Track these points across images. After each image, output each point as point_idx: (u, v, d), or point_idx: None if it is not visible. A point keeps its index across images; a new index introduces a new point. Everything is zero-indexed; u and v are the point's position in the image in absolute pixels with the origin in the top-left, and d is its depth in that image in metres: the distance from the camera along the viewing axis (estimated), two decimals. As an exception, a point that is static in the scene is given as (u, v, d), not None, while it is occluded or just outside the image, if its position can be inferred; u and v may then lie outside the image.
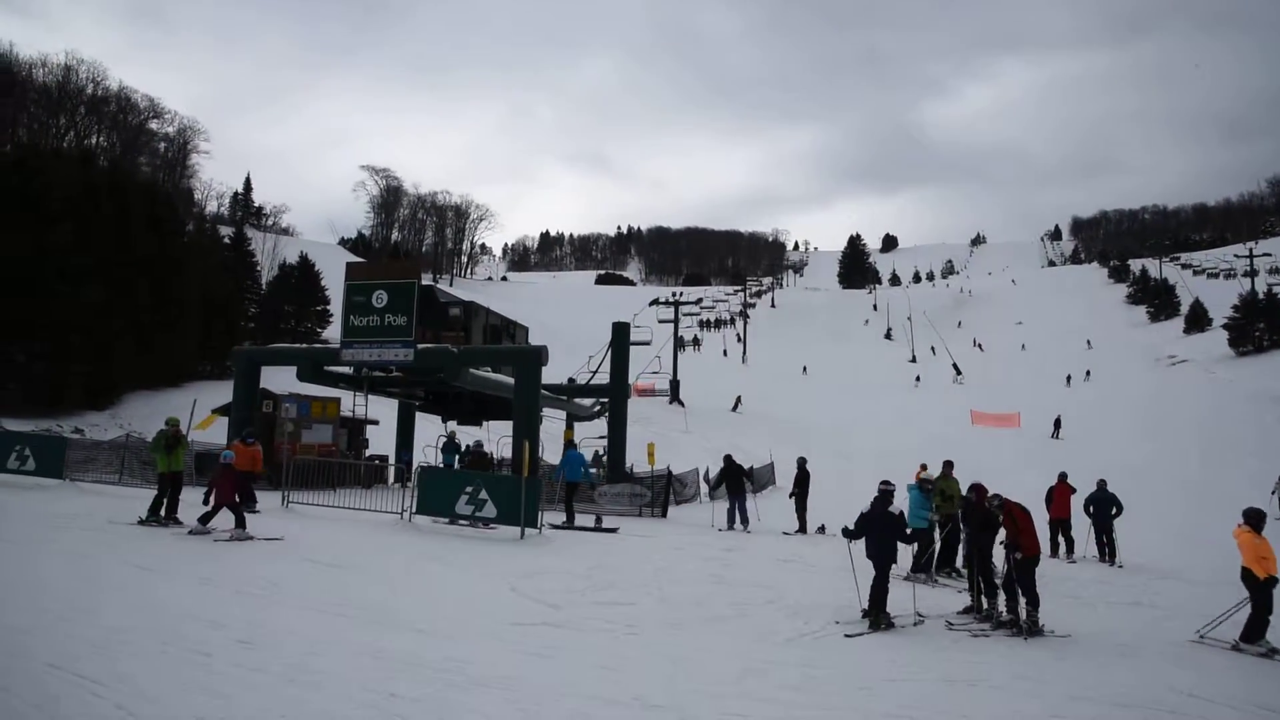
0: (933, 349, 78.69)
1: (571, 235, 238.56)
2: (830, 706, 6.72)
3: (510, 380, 21.13)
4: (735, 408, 46.72)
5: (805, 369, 58.32)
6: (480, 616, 9.09)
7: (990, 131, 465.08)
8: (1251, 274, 79.09)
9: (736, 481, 19.07)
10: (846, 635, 9.44)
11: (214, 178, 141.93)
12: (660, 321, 59.23)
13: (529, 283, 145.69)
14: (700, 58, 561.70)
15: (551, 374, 28.07)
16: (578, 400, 28.13)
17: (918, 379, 62.27)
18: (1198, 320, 79.39)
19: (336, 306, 24.49)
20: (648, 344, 32.20)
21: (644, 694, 6.64)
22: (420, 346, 19.56)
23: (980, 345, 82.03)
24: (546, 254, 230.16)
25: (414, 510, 14.91)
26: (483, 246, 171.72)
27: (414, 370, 20.80)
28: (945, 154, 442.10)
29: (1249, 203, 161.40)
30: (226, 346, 37.54)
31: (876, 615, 9.83)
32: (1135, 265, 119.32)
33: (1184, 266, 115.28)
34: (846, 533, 10.48)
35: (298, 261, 53.08)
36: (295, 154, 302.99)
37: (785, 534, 18.17)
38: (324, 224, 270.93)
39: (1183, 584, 15.05)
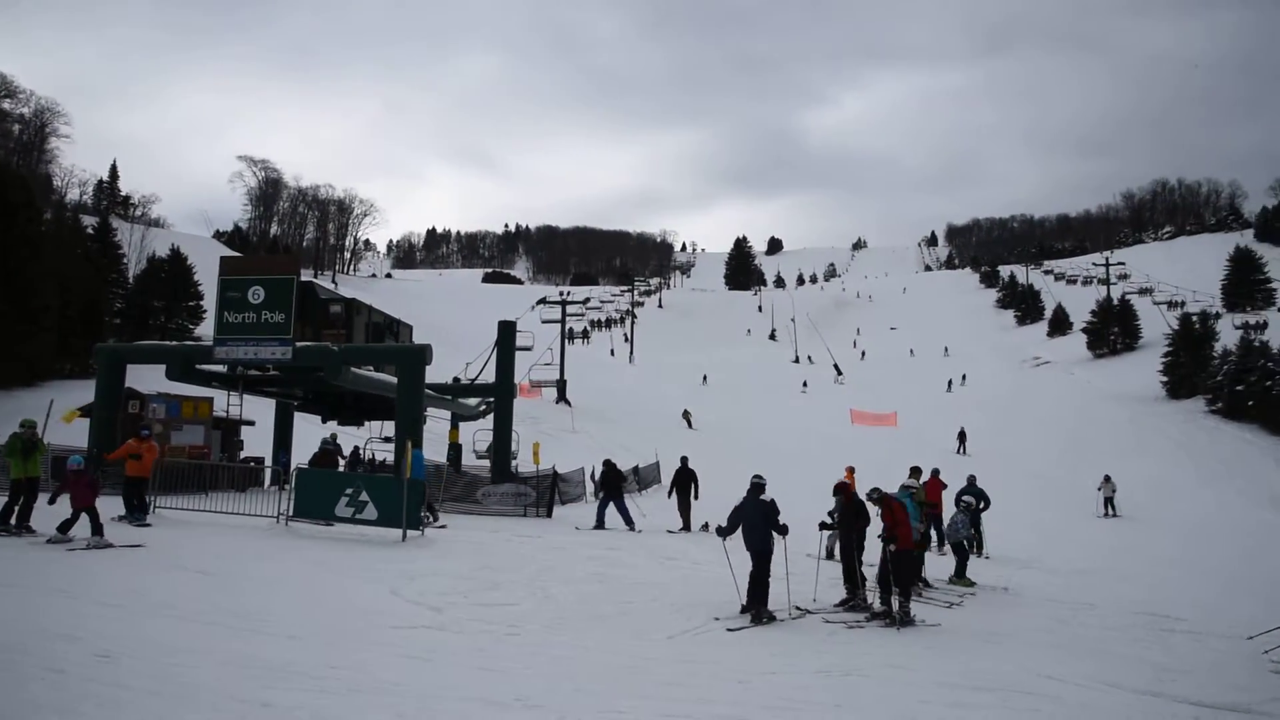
0: (809, 358, 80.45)
1: (458, 233, 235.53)
2: (708, 700, 6.83)
3: (393, 379, 20.70)
4: (689, 424, 44.42)
5: (705, 378, 58.14)
6: (359, 621, 8.89)
7: (865, 139, 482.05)
8: (1108, 282, 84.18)
9: (614, 484, 19.32)
10: (729, 630, 9.62)
11: (76, 164, 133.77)
12: (544, 322, 58.54)
13: (414, 280, 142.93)
14: (581, 58, 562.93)
15: (436, 373, 27.63)
16: (462, 400, 27.74)
17: (805, 385, 63.37)
18: (1060, 324, 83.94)
19: (211, 302, 23.45)
20: (529, 349, 31.90)
21: (525, 694, 6.62)
22: (299, 344, 18.96)
23: (862, 352, 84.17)
24: (433, 251, 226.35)
25: (290, 513, 14.45)
26: (366, 243, 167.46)
27: (292, 369, 20.15)
28: (823, 160, 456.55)
29: (1106, 215, 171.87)
30: (89, 343, 35.49)
31: (758, 610, 10.03)
32: (1005, 271, 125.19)
33: (1047, 273, 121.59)
34: (720, 531, 10.65)
35: (169, 255, 50.62)
36: (165, 142, 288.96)
37: (670, 532, 18.37)
38: (198, 216, 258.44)
39: (1042, 573, 15.92)
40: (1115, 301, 71.95)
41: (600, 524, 18.54)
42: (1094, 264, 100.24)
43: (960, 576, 13.77)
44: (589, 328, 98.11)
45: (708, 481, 19.74)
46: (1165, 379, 51.57)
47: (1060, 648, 9.75)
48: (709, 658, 8.34)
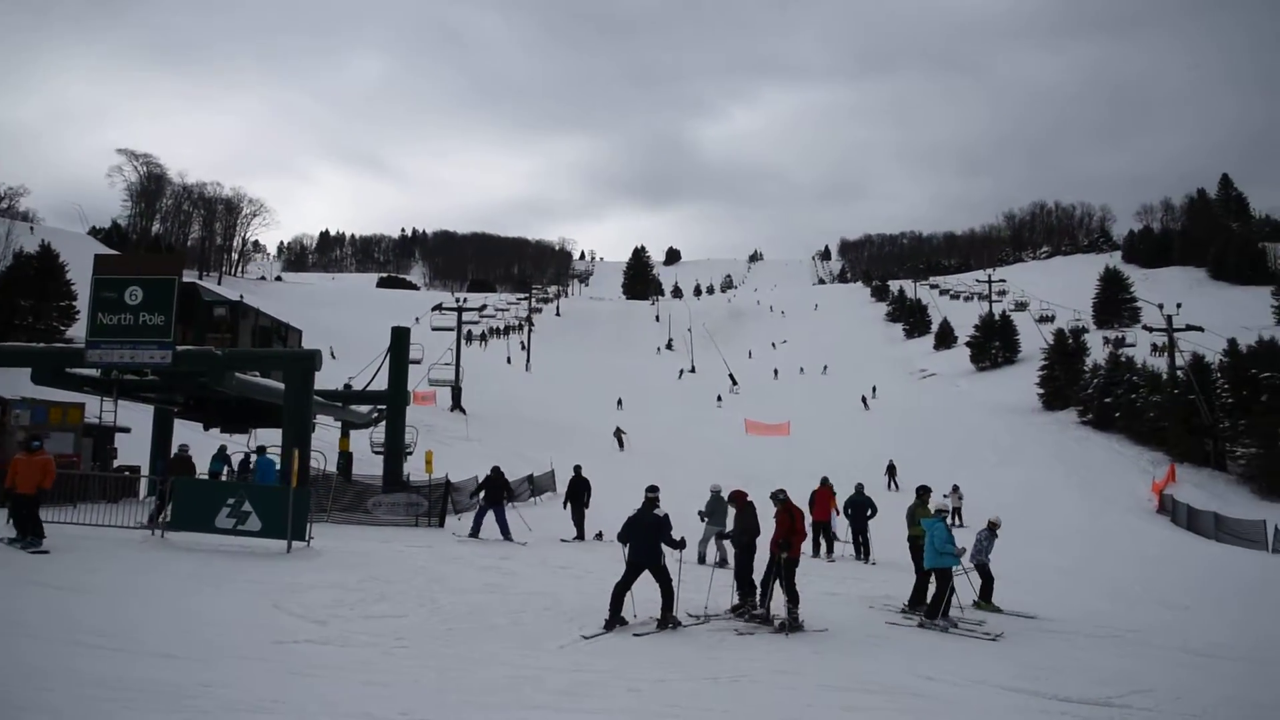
0: (692, 368, 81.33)
1: (353, 236, 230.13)
2: (599, 710, 6.82)
3: (281, 386, 20.04)
4: (621, 447, 42.09)
5: (620, 402, 56.87)
6: (238, 637, 8.54)
7: (755, 152, 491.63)
8: (990, 298, 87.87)
9: (495, 492, 18.44)
10: (634, 635, 9.64)
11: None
12: (434, 329, 56.99)
13: (306, 284, 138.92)
14: (470, 61, 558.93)
15: (328, 379, 26.89)
16: (353, 407, 27.07)
17: (719, 399, 63.45)
18: (945, 338, 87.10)
19: (85, 303, 22.24)
20: (418, 362, 31.29)
21: (410, 708, 6.48)
22: (179, 348, 18.17)
23: (775, 370, 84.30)
24: (326, 254, 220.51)
25: (167, 525, 13.81)
26: (256, 244, 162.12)
27: (172, 374, 19.30)
28: (715, 172, 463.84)
29: (989, 233, 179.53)
30: (-54, 344, 33.27)
31: (614, 620, 10.05)
32: (895, 286, 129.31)
33: (934, 288, 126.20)
34: (621, 538, 10.66)
35: (38, 251, 47.88)
36: (33, 131, 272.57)
37: (563, 541, 18.29)
38: (71, 211, 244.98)
39: (925, 578, 16.38)
40: (997, 317, 75.19)
41: (476, 532, 17.97)
42: (977, 280, 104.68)
43: (986, 600, 13.19)
44: (486, 334, 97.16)
45: (604, 491, 19.77)
46: (1041, 391, 54.09)
47: (941, 649, 10.08)
48: (601, 666, 8.32)
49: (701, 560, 15.39)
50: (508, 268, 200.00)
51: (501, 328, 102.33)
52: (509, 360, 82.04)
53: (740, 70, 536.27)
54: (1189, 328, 45.50)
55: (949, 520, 26.05)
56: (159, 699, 6.22)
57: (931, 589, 11.72)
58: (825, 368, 78.33)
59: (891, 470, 36.73)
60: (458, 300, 61.49)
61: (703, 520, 15.77)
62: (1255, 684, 9.65)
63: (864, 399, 59.50)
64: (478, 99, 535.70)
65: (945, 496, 27.66)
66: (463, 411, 45.71)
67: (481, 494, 18.90)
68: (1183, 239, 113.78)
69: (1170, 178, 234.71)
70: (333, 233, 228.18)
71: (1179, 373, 42.85)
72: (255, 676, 7.12)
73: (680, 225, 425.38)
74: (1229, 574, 22.10)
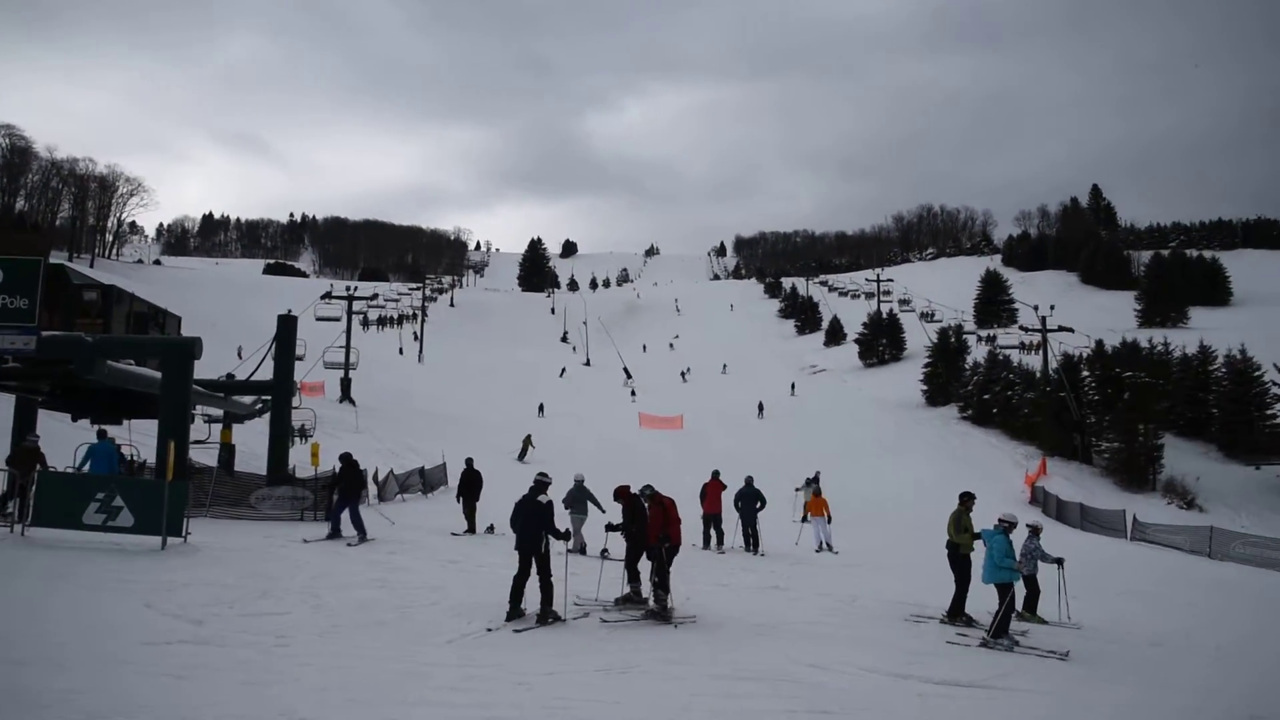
0: (587, 361, 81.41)
1: (239, 220, 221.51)
2: (488, 704, 6.76)
3: (157, 375, 19.12)
4: (523, 456, 38.12)
5: (542, 409, 54.25)
6: (105, 640, 8.10)
7: (648, 147, 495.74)
8: (878, 296, 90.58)
9: (352, 485, 16.68)
10: (515, 631, 9.56)
11: None
12: (319, 319, 53.72)
13: (187, 268, 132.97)
14: (359, 44, 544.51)
15: (210, 368, 25.83)
16: (236, 398, 26.05)
17: (634, 394, 62.61)
18: (835, 335, 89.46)
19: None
20: (300, 359, 30.13)
21: (291, 707, 6.29)
22: (45, 334, 17.15)
23: (684, 372, 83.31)
24: (209, 238, 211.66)
25: (29, 522, 13.04)
26: (132, 225, 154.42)
27: (36, 361, 18.19)
28: (609, 165, 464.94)
29: (878, 234, 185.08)
30: None
31: (514, 611, 10.00)
32: (788, 283, 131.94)
33: (822, 284, 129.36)
34: (513, 523, 10.57)
35: (-115, 228, 44.69)
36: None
37: (454, 535, 18.06)
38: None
39: (813, 568, 16.85)
40: (884, 315, 77.59)
41: (336, 532, 16.20)
42: (867, 279, 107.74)
43: (1031, 611, 12.94)
44: (378, 325, 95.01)
45: (495, 484, 19.58)
46: (925, 388, 56.13)
47: (826, 637, 10.35)
48: (489, 660, 8.24)
49: (583, 551, 15.42)
50: (401, 256, 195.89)
51: (395, 317, 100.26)
52: (401, 351, 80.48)
53: (633, 65, 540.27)
54: (1061, 329, 47.90)
55: (803, 515, 24.29)
56: (9, 710, 5.86)
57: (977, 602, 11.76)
58: (725, 366, 78.56)
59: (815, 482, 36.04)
60: (349, 289, 59.66)
61: (566, 510, 15.77)
62: (1106, 662, 10.20)
63: (760, 406, 54.82)
64: (364, 82, 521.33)
65: (797, 489, 27.12)
66: (352, 403, 44.59)
67: (335, 488, 17.03)
68: (1057, 244, 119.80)
69: (1045, 186, 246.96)
70: (216, 216, 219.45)
71: (1051, 372, 45.04)
72: (122, 681, 6.78)
73: (576, 218, 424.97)
74: (1092, 561, 23.36)
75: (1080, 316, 61.04)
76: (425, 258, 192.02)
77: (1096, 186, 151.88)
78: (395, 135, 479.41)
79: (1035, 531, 13.16)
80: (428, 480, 28.74)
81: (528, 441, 39.21)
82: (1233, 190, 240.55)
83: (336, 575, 12.20)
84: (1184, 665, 10.47)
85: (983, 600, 11.52)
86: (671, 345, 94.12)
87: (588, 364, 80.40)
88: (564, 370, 75.73)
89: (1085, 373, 45.16)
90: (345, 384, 46.50)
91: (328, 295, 60.80)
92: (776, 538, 20.50)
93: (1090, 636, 11.74)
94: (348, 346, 48.79)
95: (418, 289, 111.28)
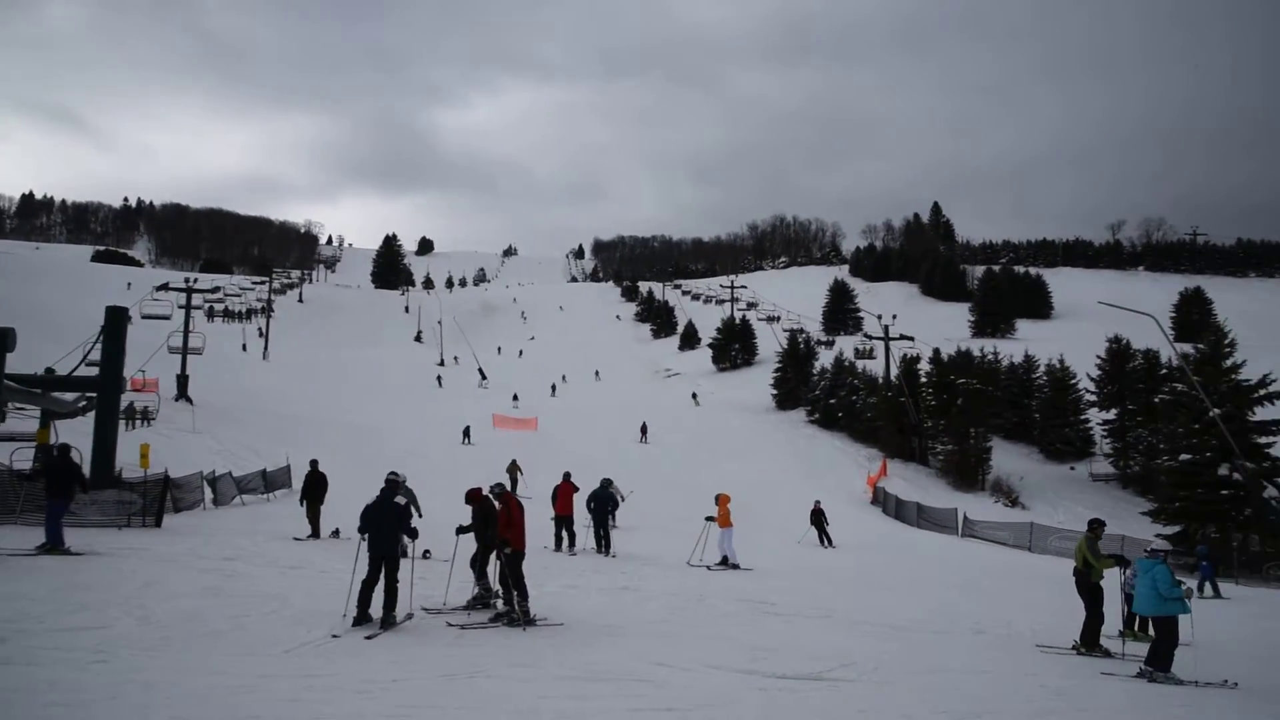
0: (455, 358, 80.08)
1: (64, 202, 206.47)
2: (324, 716, 6.51)
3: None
4: (514, 487, 30.80)
5: (467, 433, 49.94)
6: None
7: (498, 145, 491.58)
8: (732, 302, 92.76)
9: (59, 483, 14.05)
10: (366, 638, 9.27)
11: None
12: (145, 317, 48.32)
13: (3, 252, 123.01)
14: (196, 21, 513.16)
15: (30, 362, 23.98)
16: (56, 395, 24.24)
17: (515, 398, 60.50)
18: (690, 339, 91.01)
19: None
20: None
21: (107, 727, 5.88)
22: None
23: (592, 373, 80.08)
24: (29, 221, 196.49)
25: None
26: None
27: None
28: (457, 161, 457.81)
29: (734, 242, 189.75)
30: None
31: (362, 617, 9.75)
32: (645, 287, 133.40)
33: (676, 287, 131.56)
34: (361, 530, 10.27)
35: None
36: None
37: (297, 539, 17.37)
38: None
39: (660, 569, 17.07)
40: (737, 321, 79.52)
41: (56, 542, 13.49)
42: (721, 285, 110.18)
43: (1131, 629, 12.90)
44: (223, 318, 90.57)
45: (342, 486, 18.96)
46: (775, 392, 57.84)
47: (673, 636, 10.50)
48: (330, 670, 7.95)
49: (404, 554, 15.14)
50: (247, 248, 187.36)
51: (239, 312, 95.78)
52: (245, 348, 76.91)
53: (483, 60, 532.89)
54: (902, 337, 50.35)
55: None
56: None
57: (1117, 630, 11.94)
58: (598, 373, 76.45)
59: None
60: (188, 280, 56.52)
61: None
62: (941, 652, 10.78)
63: (643, 428, 48.83)
64: (201, 62, 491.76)
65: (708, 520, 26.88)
66: (189, 401, 42.25)
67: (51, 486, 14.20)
68: (900, 257, 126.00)
69: (890, 200, 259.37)
70: (38, 196, 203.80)
71: (893, 379, 47.23)
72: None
73: (431, 215, 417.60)
74: (927, 556, 24.66)
75: (920, 326, 64.38)
76: (273, 250, 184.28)
77: (937, 204, 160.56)
78: (234, 120, 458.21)
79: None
80: (270, 483, 27.55)
81: (515, 469, 32.39)
82: (1056, 211, 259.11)
83: (165, 584, 11.51)
84: (1006, 652, 11.16)
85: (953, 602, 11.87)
86: (520, 353, 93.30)
87: (441, 364, 78.89)
88: (483, 376, 70.42)
89: (924, 379, 47.59)
90: (182, 381, 44.00)
91: (164, 286, 57.49)
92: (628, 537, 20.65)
93: (916, 627, 12.36)
94: (185, 342, 46.19)
95: (264, 283, 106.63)
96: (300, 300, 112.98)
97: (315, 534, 17.84)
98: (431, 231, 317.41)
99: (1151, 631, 11.00)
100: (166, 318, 48.85)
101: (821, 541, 25.46)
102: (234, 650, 8.54)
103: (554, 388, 65.41)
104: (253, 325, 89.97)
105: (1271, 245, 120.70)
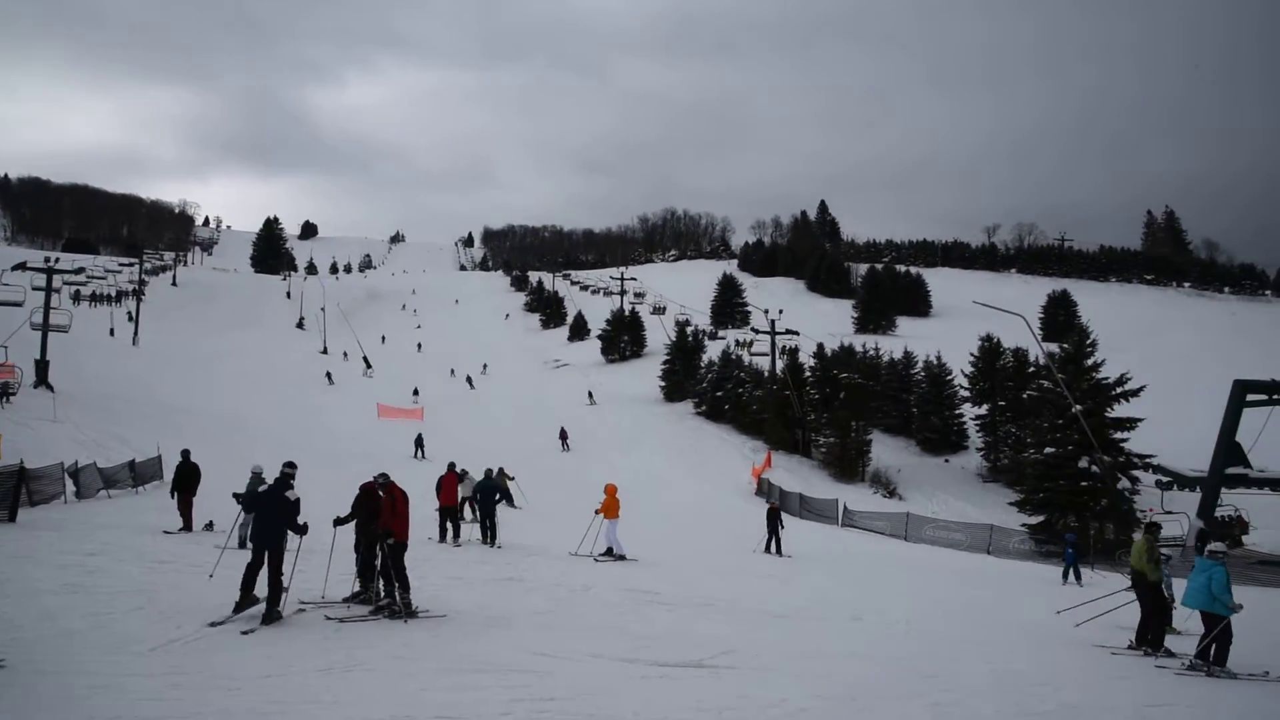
0: (324, 349, 77.65)
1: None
2: (190, 715, 6.28)
3: None
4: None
5: (420, 444, 47.07)
6: None
7: (378, 127, 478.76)
8: (622, 294, 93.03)
9: None
10: (243, 633, 8.96)
11: None
12: None
13: None
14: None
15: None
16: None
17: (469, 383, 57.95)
18: (580, 330, 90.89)
19: None
20: None
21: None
22: None
23: (478, 371, 77.20)
24: None
25: None
26: None
27: None
28: (335, 142, 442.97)
29: (624, 234, 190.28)
30: None
31: (245, 601, 9.46)
32: (534, 277, 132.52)
33: (565, 277, 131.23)
34: (247, 507, 9.91)
35: None
36: None
37: (167, 533, 16.63)
38: None
39: (546, 559, 17.04)
40: (627, 313, 79.85)
41: None
42: (611, 277, 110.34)
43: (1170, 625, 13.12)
44: (90, 301, 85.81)
45: (218, 478, 18.20)
46: (663, 384, 58.33)
47: (557, 628, 10.50)
48: (198, 667, 7.66)
49: (242, 545, 14.75)
50: (115, 228, 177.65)
51: (107, 295, 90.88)
52: (113, 333, 73.07)
53: (358, 38, 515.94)
54: (788, 332, 51.50)
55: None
56: None
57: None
58: (485, 366, 75.16)
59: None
60: (48, 260, 53.10)
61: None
62: (817, 637, 11.12)
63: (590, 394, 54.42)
64: (55, 25, 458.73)
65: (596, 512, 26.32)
66: (49, 388, 39.85)
67: None
68: (788, 254, 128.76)
69: (780, 196, 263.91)
70: None
71: (778, 372, 48.27)
72: None
73: (310, 197, 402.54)
74: (809, 546, 25.32)
75: (806, 321, 65.93)
76: (145, 231, 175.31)
77: (824, 203, 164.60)
78: (94, 91, 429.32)
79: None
80: (139, 474, 26.25)
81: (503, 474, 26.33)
82: (938, 213, 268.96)
83: (18, 582, 10.84)
84: (879, 634, 11.58)
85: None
86: (419, 347, 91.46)
87: (324, 351, 76.55)
88: (471, 379, 66.19)
89: (808, 374, 48.82)
90: (42, 367, 41.45)
91: (21, 266, 54.02)
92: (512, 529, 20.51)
93: (796, 614, 12.71)
94: (46, 320, 43.45)
95: (134, 264, 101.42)
96: (174, 284, 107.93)
97: (187, 527, 17.10)
98: (315, 215, 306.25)
99: (1199, 626, 11.53)
100: (18, 304, 44.65)
101: (769, 548, 22.18)
102: (94, 649, 8.13)
103: (452, 372, 64.43)
104: (122, 309, 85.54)
105: (1130, 252, 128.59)
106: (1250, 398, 29.51)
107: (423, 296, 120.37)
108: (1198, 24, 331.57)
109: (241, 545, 13.83)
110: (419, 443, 38.24)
